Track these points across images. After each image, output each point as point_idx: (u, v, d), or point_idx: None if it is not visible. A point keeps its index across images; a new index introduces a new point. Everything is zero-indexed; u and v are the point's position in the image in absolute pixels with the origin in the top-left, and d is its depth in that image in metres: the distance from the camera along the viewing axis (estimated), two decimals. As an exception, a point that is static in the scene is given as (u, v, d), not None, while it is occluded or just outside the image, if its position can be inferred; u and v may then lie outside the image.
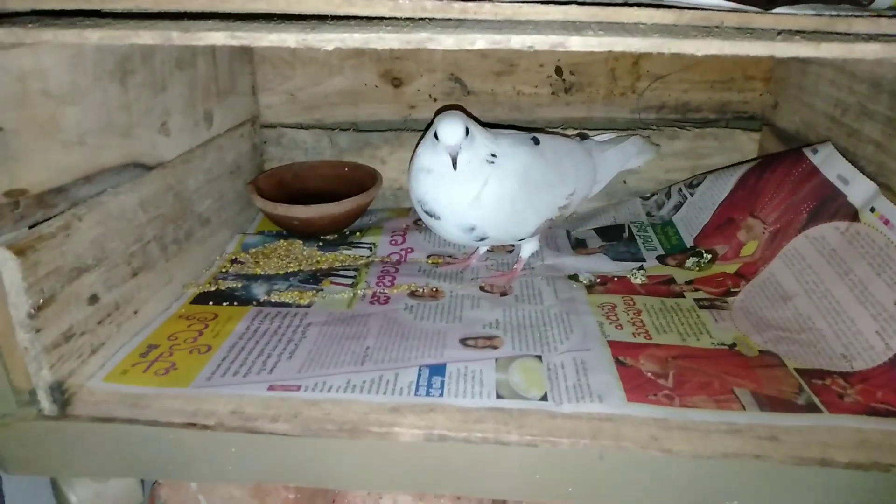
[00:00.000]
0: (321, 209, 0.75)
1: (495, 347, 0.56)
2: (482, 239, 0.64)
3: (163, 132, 0.62)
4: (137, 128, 0.57)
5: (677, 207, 0.80)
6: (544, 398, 0.49)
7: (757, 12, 0.36)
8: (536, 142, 0.66)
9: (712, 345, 0.56)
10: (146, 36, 0.35)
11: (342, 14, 0.37)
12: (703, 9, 0.37)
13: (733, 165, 0.78)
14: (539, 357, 0.54)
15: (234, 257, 0.73)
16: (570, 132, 0.84)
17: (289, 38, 0.34)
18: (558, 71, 0.83)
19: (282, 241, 0.77)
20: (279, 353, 0.54)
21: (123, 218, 0.55)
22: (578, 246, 0.77)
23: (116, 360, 0.53)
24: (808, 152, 0.66)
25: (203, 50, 0.69)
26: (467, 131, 0.59)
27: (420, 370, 0.52)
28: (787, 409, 0.48)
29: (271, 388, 0.50)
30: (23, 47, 0.43)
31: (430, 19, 0.37)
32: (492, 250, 0.75)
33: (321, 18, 0.40)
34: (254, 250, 0.75)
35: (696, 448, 0.44)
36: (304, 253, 0.75)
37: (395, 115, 0.86)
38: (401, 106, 0.85)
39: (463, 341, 0.57)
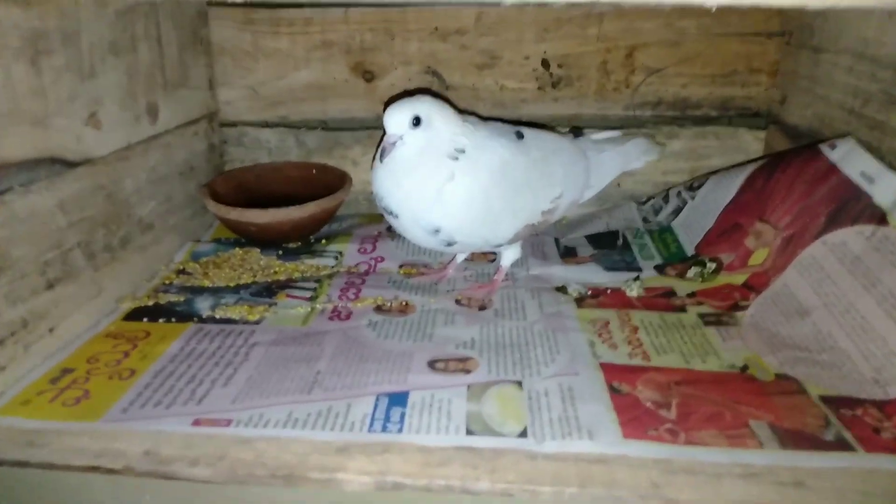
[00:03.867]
0: (280, 213, 0.67)
1: (468, 371, 0.48)
2: (451, 244, 0.56)
3: (91, 124, 0.54)
4: (56, 117, 0.50)
5: (676, 212, 0.72)
6: (523, 434, 0.41)
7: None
8: (520, 136, 0.58)
9: (721, 367, 0.49)
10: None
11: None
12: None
13: (739, 165, 0.70)
14: (519, 383, 0.46)
15: (181, 268, 0.65)
16: (561, 129, 0.76)
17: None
18: (545, 64, 0.76)
19: (238, 249, 0.69)
20: (213, 380, 0.46)
21: (35, 220, 0.48)
22: (567, 254, 0.69)
23: (19, 388, 0.45)
24: (824, 148, 0.59)
25: (146, 35, 0.61)
26: (417, 121, 0.52)
27: (377, 399, 0.44)
28: (814, 447, 0.40)
29: (196, 422, 0.42)
30: None
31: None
32: (471, 259, 0.68)
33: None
34: (204, 259, 0.67)
35: (705, 496, 0.36)
36: (262, 263, 0.67)
37: (367, 112, 0.78)
38: (373, 102, 0.78)
39: (431, 364, 0.49)
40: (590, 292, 0.60)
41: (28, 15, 0.46)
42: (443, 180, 0.53)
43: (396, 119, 0.52)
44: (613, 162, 0.66)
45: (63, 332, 0.51)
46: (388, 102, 0.56)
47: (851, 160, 0.55)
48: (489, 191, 0.54)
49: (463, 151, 0.53)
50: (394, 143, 0.53)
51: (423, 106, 0.53)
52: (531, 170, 0.57)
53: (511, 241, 0.59)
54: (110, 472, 0.38)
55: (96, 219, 0.55)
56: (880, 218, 0.50)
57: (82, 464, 0.39)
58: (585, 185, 0.63)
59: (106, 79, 0.56)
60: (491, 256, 0.68)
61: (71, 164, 0.52)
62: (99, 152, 0.55)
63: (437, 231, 0.54)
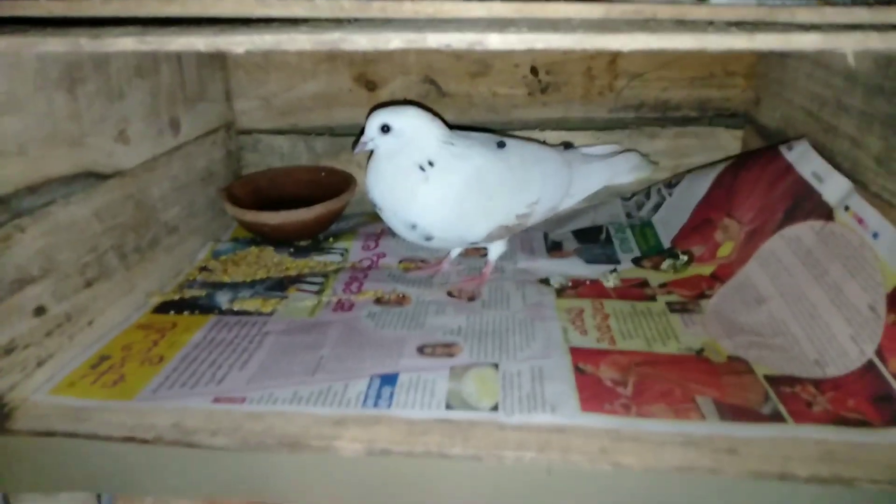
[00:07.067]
0: (290, 215, 0.74)
1: (452, 355, 0.54)
2: (429, 238, 0.63)
3: (121, 140, 0.61)
4: (90, 137, 0.57)
5: (656, 208, 0.78)
6: (495, 408, 0.47)
7: (692, 3, 0.34)
8: (502, 145, 0.64)
9: (679, 350, 0.54)
10: (54, 43, 0.34)
11: (258, 17, 0.36)
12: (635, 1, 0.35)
13: (711, 164, 0.76)
14: (496, 365, 0.52)
15: (203, 265, 0.72)
16: (549, 136, 0.82)
17: (198, 41, 0.33)
18: (534, 71, 0.81)
19: (253, 247, 0.76)
20: (231, 364, 0.53)
21: (75, 228, 0.55)
22: (554, 248, 0.75)
23: (66, 373, 0.52)
24: (783, 149, 0.64)
25: (167, 57, 0.68)
26: (386, 128, 0.60)
27: (371, 380, 0.51)
28: (750, 419, 0.46)
29: (216, 400, 0.49)
30: (-50, 57, 0.42)
31: (349, 20, 0.36)
32: (465, 254, 0.74)
33: (243, 23, 0.38)
34: (224, 258, 0.74)
35: (647, 461, 0.42)
36: (275, 260, 0.74)
37: (370, 118, 0.84)
38: (376, 109, 0.84)
39: (420, 349, 0.55)
40: (571, 284, 0.66)
41: (65, 49, 0.53)
42: (414, 183, 0.60)
43: (371, 123, 0.61)
44: (599, 174, 0.71)
45: (100, 324, 0.58)
46: (375, 108, 0.63)
47: (805, 161, 0.60)
48: (462, 193, 0.61)
49: (432, 165, 0.60)
50: (364, 143, 0.61)
51: (398, 118, 0.60)
52: (507, 176, 0.63)
53: (487, 239, 0.65)
54: (143, 441, 0.45)
55: (127, 224, 0.62)
56: (828, 214, 0.56)
57: (120, 435, 0.46)
58: (565, 193, 0.69)
59: (133, 99, 0.63)
60: (483, 252, 0.74)
61: (104, 177, 0.59)
62: (128, 165, 0.62)
63: (413, 226, 0.62)
